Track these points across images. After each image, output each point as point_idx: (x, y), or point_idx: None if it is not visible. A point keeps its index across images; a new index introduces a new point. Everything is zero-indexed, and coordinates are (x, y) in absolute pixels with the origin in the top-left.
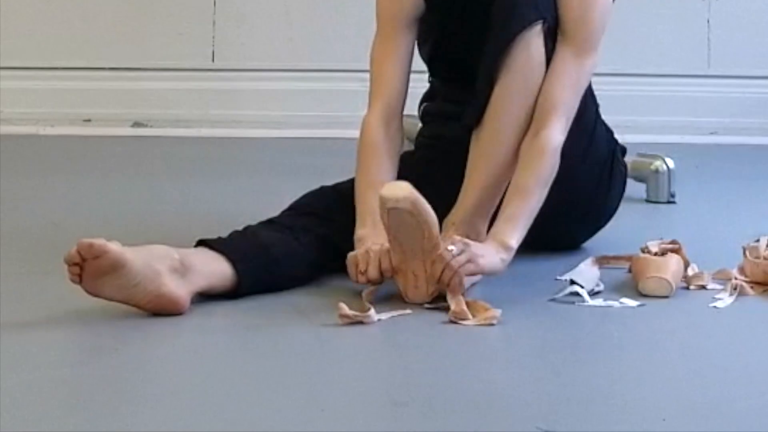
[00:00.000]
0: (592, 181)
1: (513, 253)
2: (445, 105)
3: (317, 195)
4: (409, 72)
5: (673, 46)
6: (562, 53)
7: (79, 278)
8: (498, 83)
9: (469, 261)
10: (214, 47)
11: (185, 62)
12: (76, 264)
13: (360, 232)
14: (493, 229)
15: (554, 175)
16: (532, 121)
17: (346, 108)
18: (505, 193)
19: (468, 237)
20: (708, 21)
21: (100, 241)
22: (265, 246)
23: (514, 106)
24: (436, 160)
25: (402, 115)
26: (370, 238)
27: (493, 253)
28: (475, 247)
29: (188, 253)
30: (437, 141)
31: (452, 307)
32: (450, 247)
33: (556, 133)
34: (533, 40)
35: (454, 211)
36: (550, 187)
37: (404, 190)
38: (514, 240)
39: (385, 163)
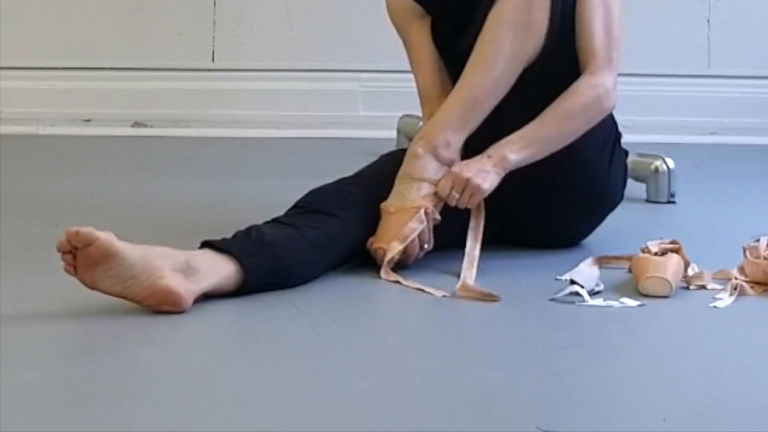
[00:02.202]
0: (594, 153)
1: (510, 169)
2: None
3: (321, 192)
4: (438, 55)
5: (673, 46)
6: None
7: (74, 268)
8: (494, 9)
9: (472, 195)
10: (214, 47)
11: (185, 62)
12: (68, 252)
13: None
14: (503, 140)
15: (588, 114)
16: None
17: (346, 108)
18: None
19: (437, 148)
20: (708, 21)
21: (87, 229)
22: (270, 243)
23: (506, 33)
24: None
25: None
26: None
27: (489, 171)
28: (472, 174)
29: (193, 255)
30: None
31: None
32: (454, 194)
33: (592, 77)
34: None
35: (431, 120)
36: (554, 163)
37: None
38: (516, 156)
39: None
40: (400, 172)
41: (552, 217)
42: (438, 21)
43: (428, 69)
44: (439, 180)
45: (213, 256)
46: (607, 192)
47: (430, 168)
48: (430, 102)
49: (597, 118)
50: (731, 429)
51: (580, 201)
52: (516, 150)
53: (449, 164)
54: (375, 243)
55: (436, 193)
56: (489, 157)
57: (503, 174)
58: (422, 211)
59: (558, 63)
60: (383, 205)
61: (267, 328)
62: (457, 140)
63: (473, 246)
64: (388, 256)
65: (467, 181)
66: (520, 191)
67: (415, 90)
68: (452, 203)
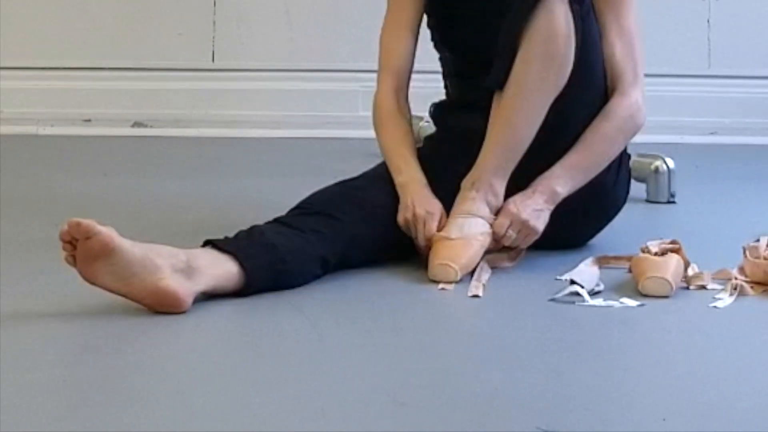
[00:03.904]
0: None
1: (558, 202)
2: (458, 98)
3: (323, 193)
4: (415, 47)
5: (673, 46)
6: (604, 16)
7: (74, 259)
8: (521, 48)
9: (527, 236)
10: (214, 47)
11: (185, 62)
12: (68, 242)
13: (399, 179)
14: (548, 172)
15: (624, 134)
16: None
17: (346, 108)
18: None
19: (486, 197)
20: (708, 21)
21: (89, 222)
22: (272, 245)
23: (538, 70)
24: (449, 150)
25: (408, 89)
26: (411, 186)
27: (542, 209)
28: (528, 215)
29: (195, 254)
30: (449, 133)
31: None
32: (510, 233)
33: (624, 98)
34: (556, 6)
35: (473, 171)
36: (557, 144)
37: (453, 272)
38: (565, 189)
39: (404, 126)
40: (455, 209)
41: (559, 224)
42: (437, 9)
43: (407, 46)
44: (494, 221)
45: (214, 255)
46: (613, 199)
47: (484, 210)
48: (391, 60)
49: (632, 136)
50: (731, 429)
51: (587, 209)
52: (564, 183)
53: (496, 212)
54: (445, 261)
55: (492, 232)
56: (540, 193)
57: (552, 208)
58: (486, 240)
59: (574, 81)
60: (442, 234)
61: (267, 328)
62: (503, 188)
63: (500, 259)
64: (482, 279)
65: (525, 222)
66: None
67: (415, 91)
68: (507, 243)
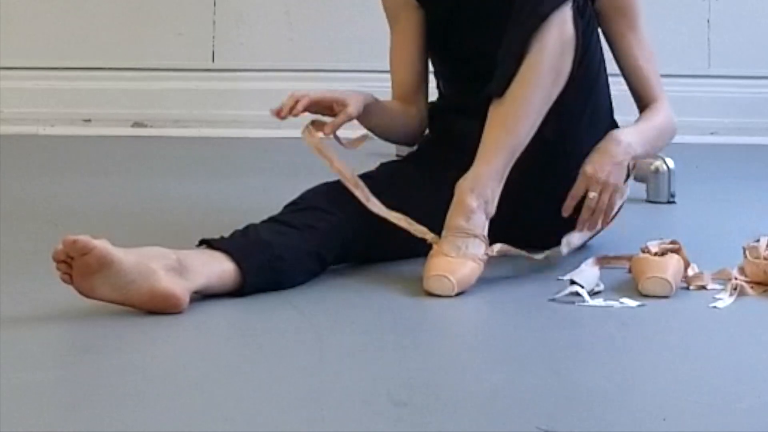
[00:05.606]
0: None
1: (635, 154)
2: (451, 101)
3: (318, 190)
4: (422, 53)
5: (673, 46)
6: (620, 28)
7: (70, 277)
8: (529, 57)
9: (611, 195)
10: (214, 47)
11: (185, 62)
12: (63, 262)
13: None
14: (626, 129)
15: (669, 135)
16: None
17: None
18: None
19: (487, 203)
20: (708, 21)
21: (84, 238)
22: (267, 243)
23: (544, 81)
24: (444, 155)
25: (423, 97)
26: None
27: (621, 162)
28: (607, 175)
29: (187, 253)
30: (445, 136)
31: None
32: (591, 194)
33: (663, 104)
34: (566, 19)
35: (471, 175)
36: (559, 169)
37: (449, 284)
38: (642, 150)
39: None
40: (452, 222)
41: (558, 224)
42: (431, 15)
43: (409, 67)
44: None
45: (209, 254)
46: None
47: (482, 224)
48: (395, 77)
49: (670, 140)
50: (731, 429)
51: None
52: (635, 137)
53: (489, 217)
54: (441, 272)
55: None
56: (616, 143)
57: (629, 159)
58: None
59: (579, 99)
60: (440, 250)
61: (267, 328)
62: (498, 194)
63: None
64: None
65: (605, 183)
66: (525, 197)
67: None
68: (592, 205)
